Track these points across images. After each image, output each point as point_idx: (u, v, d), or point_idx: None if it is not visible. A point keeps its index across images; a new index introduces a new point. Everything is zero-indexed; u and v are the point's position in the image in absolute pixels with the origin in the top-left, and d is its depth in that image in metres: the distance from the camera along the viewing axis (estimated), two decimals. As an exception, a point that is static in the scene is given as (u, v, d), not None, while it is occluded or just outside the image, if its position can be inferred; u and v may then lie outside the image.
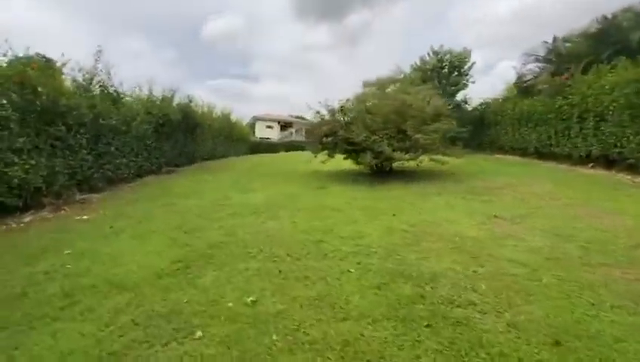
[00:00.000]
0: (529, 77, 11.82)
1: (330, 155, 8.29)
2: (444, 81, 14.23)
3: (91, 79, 7.55)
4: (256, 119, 38.48)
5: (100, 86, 8.01)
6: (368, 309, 2.34)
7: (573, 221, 4.29)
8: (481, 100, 14.09)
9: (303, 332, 2.12)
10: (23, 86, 5.68)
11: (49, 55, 6.73)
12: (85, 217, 5.49)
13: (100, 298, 2.67)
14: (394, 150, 6.86)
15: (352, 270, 2.99)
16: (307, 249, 3.57)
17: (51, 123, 6.18)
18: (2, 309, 2.53)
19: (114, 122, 8.16)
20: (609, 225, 4.10)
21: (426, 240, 3.72)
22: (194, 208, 5.70)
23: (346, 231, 4.13)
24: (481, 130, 13.73)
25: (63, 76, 6.79)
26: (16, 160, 5.31)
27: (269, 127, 40.23)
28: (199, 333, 2.14)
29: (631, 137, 7.02)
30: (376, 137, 6.85)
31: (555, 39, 11.22)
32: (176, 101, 12.24)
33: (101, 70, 7.90)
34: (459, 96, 14.81)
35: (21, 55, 6.12)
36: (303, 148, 31.63)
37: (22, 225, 5.12)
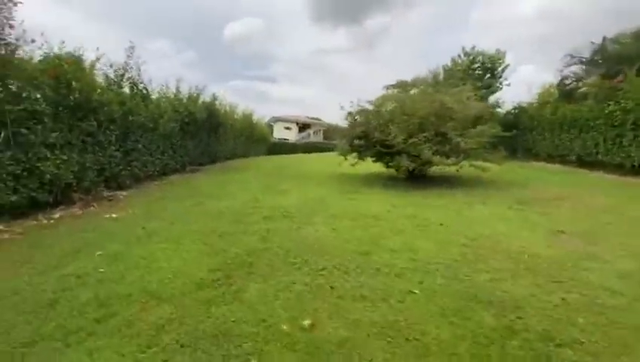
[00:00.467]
0: (571, 80, 11.10)
1: (361, 158, 7.93)
2: (478, 84, 13.60)
3: (122, 75, 7.47)
4: (275, 120, 38.50)
5: (130, 83, 7.93)
6: (450, 344, 1.97)
7: (654, 240, 3.77)
8: (515, 104, 13.38)
9: (379, 370, 1.77)
10: (57, 80, 5.60)
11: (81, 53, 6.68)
12: (115, 215, 5.33)
13: (137, 309, 2.40)
14: (433, 154, 6.42)
15: (416, 291, 2.62)
16: (355, 261, 3.23)
17: (83, 118, 6.10)
18: (34, 319, 2.30)
19: (142, 119, 8.09)
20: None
21: (491, 257, 3.31)
22: (225, 210, 5.45)
23: (395, 242, 3.76)
24: (515, 136, 13.01)
25: (95, 71, 6.71)
26: (48, 155, 5.21)
27: (287, 128, 40.16)
28: (255, 364, 1.82)
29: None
30: (415, 140, 6.44)
31: (604, 40, 10.46)
32: (201, 100, 12.17)
33: (131, 67, 7.82)
34: (491, 99, 14.13)
35: (56, 50, 6.07)
36: (321, 150, 31.58)
37: (52, 221, 4.99)
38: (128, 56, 7.51)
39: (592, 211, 5.02)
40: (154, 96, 9.22)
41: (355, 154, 8.05)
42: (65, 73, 5.68)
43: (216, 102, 13.50)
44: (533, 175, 8.97)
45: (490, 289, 2.64)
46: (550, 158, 11.73)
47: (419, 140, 6.41)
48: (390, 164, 7.15)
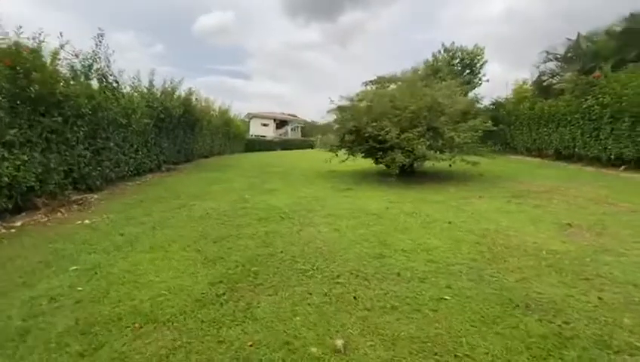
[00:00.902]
0: (548, 76, 11.46)
1: (352, 154, 7.70)
2: (459, 79, 13.79)
3: (90, 66, 6.74)
4: (251, 116, 37.55)
5: (99, 74, 7.20)
6: (505, 358, 1.76)
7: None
8: (493, 99, 13.70)
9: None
10: (14, 70, 4.91)
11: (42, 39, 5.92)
12: (87, 221, 4.76)
13: (130, 337, 2.01)
14: (427, 149, 6.30)
15: (447, 297, 2.40)
16: (371, 265, 2.97)
17: (46, 113, 5.42)
18: (-2, 357, 1.86)
19: (113, 115, 7.40)
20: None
21: (509, 254, 3.16)
22: (212, 212, 5.02)
23: (404, 242, 3.55)
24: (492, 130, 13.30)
25: (59, 61, 5.98)
26: (6, 155, 4.55)
27: (264, 124, 39.34)
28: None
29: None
30: (410, 135, 6.28)
31: (578, 37, 10.86)
32: (176, 94, 11.44)
33: (100, 57, 7.09)
34: (470, 95, 14.37)
35: (12, 36, 5.33)
36: (300, 147, 31.17)
37: (13, 230, 4.36)
38: (97, 45, 6.79)
39: (586, 203, 5.07)
40: (125, 90, 8.48)
41: (344, 150, 7.81)
42: (23, 62, 5.00)
43: (193, 97, 12.79)
44: (518, 168, 9.15)
45: (521, 290, 2.47)
46: (528, 152, 12.09)
47: (413, 135, 6.26)
48: (383, 159, 6.96)
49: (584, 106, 8.78)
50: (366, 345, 1.88)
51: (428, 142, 6.33)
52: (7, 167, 4.51)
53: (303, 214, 4.77)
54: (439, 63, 14.26)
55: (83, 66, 6.59)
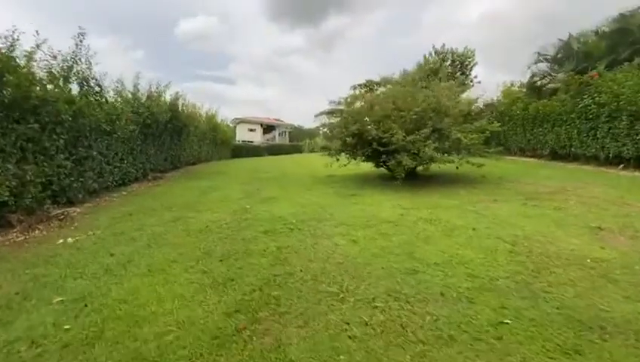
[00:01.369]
0: (539, 77, 11.54)
1: (353, 157, 7.40)
2: (456, 80, 13.76)
3: (70, 68, 6.19)
4: (238, 121, 36.84)
5: (80, 78, 6.64)
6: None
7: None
8: (486, 101, 13.69)
9: None
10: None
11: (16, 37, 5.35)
12: (70, 240, 4.25)
13: (137, 395, 1.59)
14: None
15: (507, 320, 2.08)
16: (406, 283, 2.63)
17: (21, 120, 4.87)
18: None
19: (96, 121, 6.85)
20: None
21: (552, 264, 2.89)
22: (212, 225, 4.58)
23: (433, 253, 3.23)
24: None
25: (35, 62, 5.43)
26: (-26, 167, 4.00)
27: (251, 129, 38.70)
28: None
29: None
30: (417, 137, 6.02)
31: (569, 37, 11.00)
32: (162, 99, 10.89)
33: (80, 58, 6.53)
34: (463, 97, 14.36)
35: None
36: (288, 152, 30.72)
37: (-17, 254, 3.81)
38: (77, 45, 6.24)
39: (602, 203, 4.92)
40: (109, 95, 7.91)
41: (345, 154, 7.50)
42: (-7, 62, 4.47)
43: (179, 102, 12.24)
44: (518, 169, 9.06)
45: (586, 309, 2.18)
46: (521, 152, 12.11)
47: (420, 137, 6.00)
48: (387, 163, 6.67)
49: (580, 106, 8.80)
50: (437, 393, 1.53)
51: (434, 145, 6.08)
52: (-24, 181, 3.96)
53: (313, 224, 4.40)
54: (430, 65, 14.27)
55: (62, 68, 6.03)
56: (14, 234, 4.56)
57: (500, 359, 1.75)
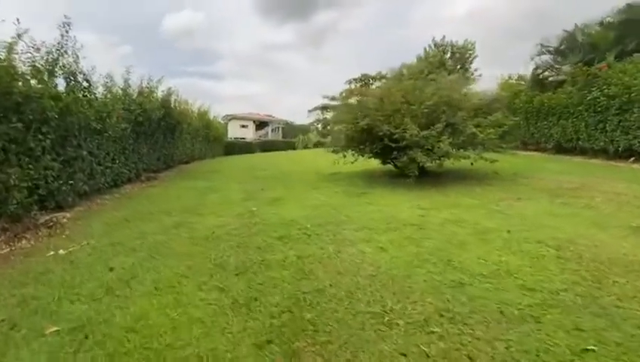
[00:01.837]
0: (542, 69, 11.35)
1: (361, 154, 7.06)
2: (456, 74, 13.49)
3: (55, 61, 5.67)
4: (229, 118, 36.16)
5: (67, 71, 6.12)
6: None
7: None
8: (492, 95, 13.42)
9: None
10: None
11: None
12: (62, 251, 3.82)
13: None
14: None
15: (591, 347, 1.78)
16: (456, 300, 2.31)
17: (3, 118, 4.39)
18: None
19: (86, 119, 6.36)
20: None
21: (610, 272, 2.61)
22: (219, 231, 4.20)
23: (474, 261, 2.92)
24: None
25: (16, 55, 4.92)
26: (-52, 172, 3.53)
27: (243, 126, 38.11)
28: None
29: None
30: (432, 132, 5.72)
31: (574, 28, 10.80)
32: (154, 95, 10.35)
33: (66, 51, 6.00)
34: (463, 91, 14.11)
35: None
36: (281, 149, 30.20)
37: (-38, 271, 3.36)
38: (62, 36, 5.72)
39: (633, 200, 4.70)
40: (98, 91, 7.39)
41: (351, 151, 7.17)
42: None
43: (172, 98, 11.70)
44: (526, 163, 8.85)
45: (675, 329, 1.90)
46: (524, 146, 11.96)
47: (436, 132, 5.70)
48: (398, 160, 6.35)
49: (589, 98, 8.62)
50: None
51: (449, 140, 5.78)
52: (-49, 189, 3.50)
53: (330, 229, 4.05)
54: (430, 59, 13.96)
55: (46, 61, 5.51)
56: (-2, 245, 4.11)
57: (605, 402, 1.44)
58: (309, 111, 37.19)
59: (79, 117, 6.15)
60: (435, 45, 14.31)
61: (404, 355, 1.80)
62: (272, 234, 3.97)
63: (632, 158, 7.88)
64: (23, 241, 4.35)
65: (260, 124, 39.29)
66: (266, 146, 29.51)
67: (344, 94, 8.55)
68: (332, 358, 1.81)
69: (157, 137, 10.57)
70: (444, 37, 13.81)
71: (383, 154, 7.00)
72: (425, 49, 14.53)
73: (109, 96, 8.08)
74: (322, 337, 1.99)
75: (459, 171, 7.74)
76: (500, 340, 1.88)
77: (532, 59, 11.58)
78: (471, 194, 5.57)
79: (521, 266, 2.78)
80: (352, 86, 23.08)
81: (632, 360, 1.68)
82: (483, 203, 4.93)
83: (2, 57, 4.64)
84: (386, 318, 2.14)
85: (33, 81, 5.24)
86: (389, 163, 7.51)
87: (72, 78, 6.31)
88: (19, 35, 4.76)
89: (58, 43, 5.68)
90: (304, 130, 35.67)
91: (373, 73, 20.89)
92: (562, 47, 11.05)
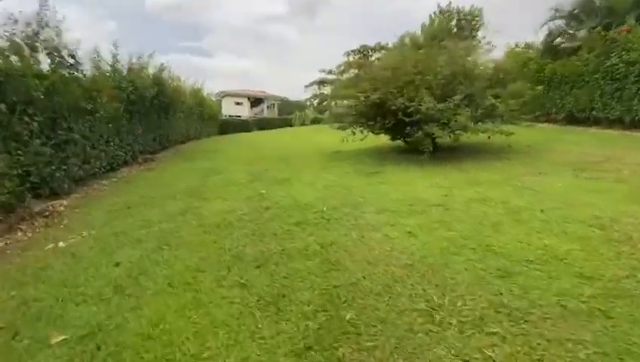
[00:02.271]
0: (555, 35, 10.78)
1: (371, 130, 6.70)
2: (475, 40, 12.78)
3: (36, 35, 5.14)
4: (223, 95, 35.03)
5: (49, 47, 5.58)
6: None
7: None
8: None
9: None
10: None
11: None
12: (62, 244, 3.55)
13: None
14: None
15: (683, 349, 1.56)
16: (509, 292, 2.07)
17: (-18, 100, 3.97)
18: None
19: (75, 99, 5.90)
20: None
21: (671, 256, 2.39)
22: (229, 216, 3.93)
23: (515, 246, 2.68)
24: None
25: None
26: None
27: (238, 103, 36.98)
28: None
29: None
30: (448, 104, 5.35)
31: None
32: (146, 72, 9.75)
33: (47, 23, 5.44)
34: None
35: None
36: (278, 126, 29.49)
37: (-47, 269, 3.09)
38: (41, 6, 5.15)
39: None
40: (86, 68, 6.85)
41: (360, 127, 6.80)
42: None
43: (165, 75, 11.08)
44: (540, 136, 8.52)
45: None
46: (535, 117, 11.59)
47: (453, 104, 5.33)
48: (411, 136, 6.00)
49: (606, 65, 8.20)
50: None
51: (467, 112, 5.43)
52: None
53: (348, 212, 3.79)
54: (435, 27, 13.21)
55: (26, 35, 4.99)
56: (-9, 239, 3.82)
57: None
58: (306, 86, 36.14)
59: (67, 96, 5.69)
60: (440, 12, 13.53)
61: (467, 362, 1.58)
62: (287, 219, 3.70)
63: (650, 128, 7.61)
64: (19, 233, 4.07)
65: (255, 101, 38.20)
66: (263, 124, 28.76)
67: (342, 67, 8.04)
68: (384, 367, 1.58)
69: (151, 117, 10.07)
70: (450, 2, 13.05)
71: (395, 130, 6.64)
72: (430, 16, 13.77)
73: (97, 73, 7.54)
74: (368, 342, 1.76)
75: (472, 145, 7.43)
76: (571, 341, 1.65)
77: (543, 25, 10.98)
78: (490, 169, 5.31)
79: (570, 250, 2.54)
80: (351, 58, 22.17)
81: None
82: (505, 179, 4.66)
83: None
84: (436, 317, 1.90)
85: (14, 57, 4.77)
86: (399, 139, 7.16)
87: (55, 54, 5.78)
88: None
89: (37, 14, 5.12)
90: (300, 106, 34.81)
91: (372, 44, 19.99)
92: (576, 11, 10.45)
